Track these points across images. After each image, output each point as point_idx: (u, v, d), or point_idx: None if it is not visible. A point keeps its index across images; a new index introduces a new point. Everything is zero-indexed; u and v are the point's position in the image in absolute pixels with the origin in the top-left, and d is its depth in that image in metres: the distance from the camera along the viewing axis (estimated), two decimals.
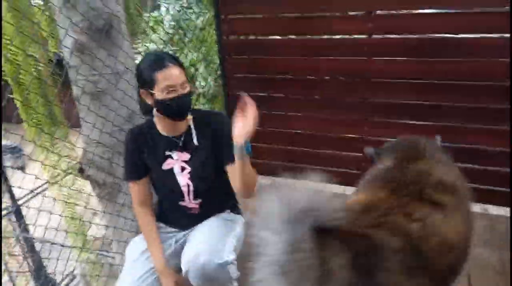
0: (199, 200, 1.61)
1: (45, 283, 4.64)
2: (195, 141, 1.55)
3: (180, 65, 1.47)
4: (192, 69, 3.66)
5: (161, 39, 4.18)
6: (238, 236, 1.63)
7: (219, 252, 1.44)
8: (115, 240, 2.31)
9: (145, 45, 4.06)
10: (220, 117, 1.64)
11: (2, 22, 2.52)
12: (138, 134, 1.58)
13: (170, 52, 1.47)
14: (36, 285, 4.69)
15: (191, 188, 1.56)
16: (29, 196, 4.10)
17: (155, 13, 4.86)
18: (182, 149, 1.55)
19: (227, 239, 1.53)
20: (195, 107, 3.33)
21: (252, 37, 2.58)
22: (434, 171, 1.20)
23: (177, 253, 1.61)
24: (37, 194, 4.05)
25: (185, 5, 4.47)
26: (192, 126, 1.57)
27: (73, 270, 5.17)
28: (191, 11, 4.45)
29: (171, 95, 1.43)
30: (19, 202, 4.00)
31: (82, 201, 3.10)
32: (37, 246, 4.45)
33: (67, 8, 1.75)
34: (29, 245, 4.38)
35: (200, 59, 3.64)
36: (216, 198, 1.65)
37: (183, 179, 1.56)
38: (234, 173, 1.43)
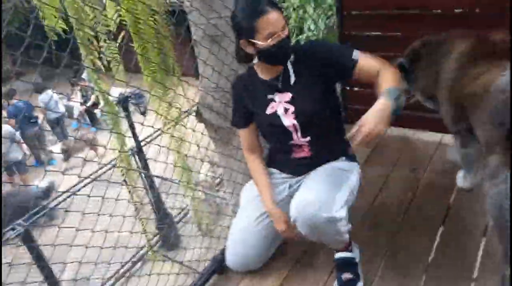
0: (308, 138, 1.55)
1: (164, 215, 5.27)
2: (292, 79, 1.51)
3: (277, 5, 1.40)
4: (301, 12, 3.49)
5: None
6: (352, 187, 1.54)
7: (329, 205, 1.38)
8: (227, 180, 2.43)
9: None
10: (315, 45, 1.67)
11: None
12: (240, 83, 1.60)
13: None
14: (156, 217, 5.36)
15: (298, 126, 1.52)
16: (150, 138, 4.53)
17: None
18: (283, 90, 1.52)
19: (339, 191, 1.45)
20: None
21: None
22: None
23: (290, 199, 1.60)
24: (155, 137, 4.47)
25: None
26: (288, 64, 1.51)
27: (186, 206, 5.75)
28: None
29: (274, 42, 1.37)
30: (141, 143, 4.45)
31: (195, 143, 3.31)
32: (157, 183, 4.99)
33: None
34: (149, 181, 4.93)
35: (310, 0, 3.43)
36: (326, 138, 1.58)
37: (288, 120, 1.52)
38: (367, 74, 1.45)
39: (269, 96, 1.53)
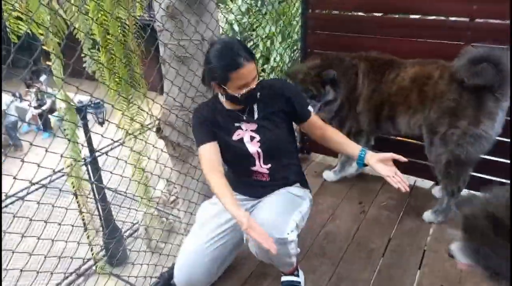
0: (269, 165, 1.64)
1: (113, 229, 5.09)
2: (256, 114, 1.61)
3: (253, 58, 1.48)
4: (268, 43, 3.64)
5: (240, 9, 4.19)
6: (303, 213, 1.63)
7: (281, 227, 1.46)
8: (183, 198, 2.43)
9: (224, 16, 4.10)
10: (282, 82, 1.78)
11: None
12: (205, 109, 1.65)
13: (241, 41, 1.47)
14: (104, 230, 5.16)
15: (261, 153, 1.61)
16: (106, 149, 4.42)
17: None
18: (248, 120, 1.60)
19: (291, 215, 1.54)
20: None
21: (335, 12, 2.50)
22: None
23: None
24: (113, 148, 4.37)
25: None
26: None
27: (137, 222, 5.60)
28: None
29: (243, 91, 1.46)
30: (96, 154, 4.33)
31: (153, 159, 3.29)
32: (109, 196, 4.83)
33: None
34: (101, 193, 4.77)
35: (277, 33, 3.60)
36: (284, 165, 1.68)
37: (253, 147, 1.60)
38: (313, 126, 1.67)
39: (236, 124, 1.60)
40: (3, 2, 2.09)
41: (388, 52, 2.19)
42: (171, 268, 1.75)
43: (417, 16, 2.34)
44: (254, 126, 1.60)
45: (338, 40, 2.41)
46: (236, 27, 4.40)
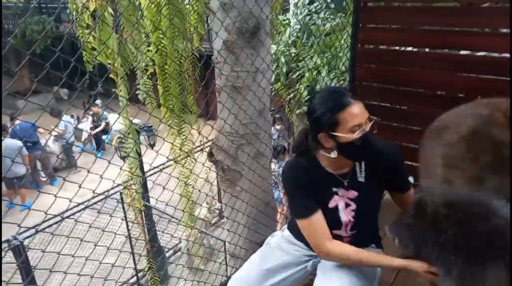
0: (355, 231, 1.52)
1: (158, 250, 5.27)
2: (361, 178, 1.47)
3: (359, 98, 1.35)
4: (315, 73, 3.77)
5: (288, 41, 4.39)
6: (377, 275, 1.55)
7: None
8: (230, 219, 2.53)
9: (272, 47, 4.32)
10: (392, 147, 1.52)
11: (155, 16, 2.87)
12: (302, 173, 1.46)
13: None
14: (149, 249, 5.34)
15: (352, 223, 1.49)
16: (155, 171, 4.66)
17: (283, 16, 5.08)
18: (349, 187, 1.46)
19: (367, 280, 1.47)
20: None
21: (383, 47, 2.58)
22: None
23: (307, 275, 1.61)
24: (161, 170, 4.61)
25: (313, 10, 4.60)
26: (362, 162, 1.47)
27: (179, 243, 5.75)
28: (317, 16, 4.55)
29: (358, 135, 1.30)
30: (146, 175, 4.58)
31: (204, 179, 3.42)
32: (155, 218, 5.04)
33: (222, 12, 1.98)
34: (148, 214, 4.99)
35: (324, 64, 3.72)
36: (369, 230, 1.59)
37: (346, 215, 1.48)
38: (410, 197, 1.51)
39: (334, 189, 1.47)
40: (81, 34, 2.41)
41: (432, 84, 2.21)
42: None
43: (466, 52, 2.37)
44: (353, 194, 1.47)
45: (385, 73, 2.48)
46: (282, 59, 4.59)
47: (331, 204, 1.46)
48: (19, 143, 6.68)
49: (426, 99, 2.39)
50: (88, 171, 1.51)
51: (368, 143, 1.33)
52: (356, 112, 1.30)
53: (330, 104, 1.33)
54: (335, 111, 1.30)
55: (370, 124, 1.33)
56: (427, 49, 2.44)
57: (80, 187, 1.49)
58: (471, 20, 2.14)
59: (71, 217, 3.94)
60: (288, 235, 1.64)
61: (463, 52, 2.40)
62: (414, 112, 2.45)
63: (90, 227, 1.84)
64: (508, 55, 2.07)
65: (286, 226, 1.71)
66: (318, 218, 1.41)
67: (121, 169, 1.83)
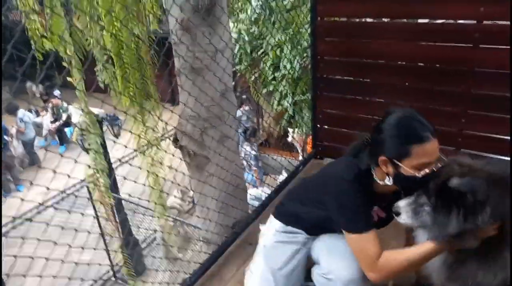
0: None
1: (131, 242, 5.17)
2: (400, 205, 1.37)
3: (436, 134, 1.24)
4: (278, 51, 3.71)
5: (249, 19, 4.28)
6: None
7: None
8: (199, 205, 2.49)
9: (234, 25, 4.20)
10: None
11: None
12: (362, 187, 1.37)
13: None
14: (122, 243, 5.24)
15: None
16: (123, 160, 4.51)
17: None
18: (382, 207, 1.46)
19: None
20: None
21: (343, 19, 2.55)
22: None
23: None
24: (128, 160, 4.47)
25: None
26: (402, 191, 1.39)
27: (153, 232, 5.67)
28: None
29: (422, 173, 1.22)
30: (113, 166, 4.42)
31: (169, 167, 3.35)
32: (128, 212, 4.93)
33: None
34: (118, 204, 4.87)
35: (287, 41, 3.66)
36: None
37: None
38: None
39: (374, 208, 1.46)
40: (28, 21, 2.23)
41: (395, 55, 2.21)
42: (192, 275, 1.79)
43: (425, 20, 2.38)
44: (382, 214, 1.47)
45: (347, 46, 2.45)
46: (245, 37, 4.49)
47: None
48: None
49: (388, 70, 2.39)
50: (54, 172, 1.41)
51: (426, 180, 1.22)
52: (431, 151, 1.20)
53: (406, 132, 1.22)
54: (410, 142, 1.20)
55: (437, 164, 1.22)
56: (387, 20, 2.43)
57: (48, 188, 1.40)
58: None
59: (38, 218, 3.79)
60: (280, 226, 1.59)
61: (421, 20, 2.41)
62: (377, 84, 2.46)
63: (62, 228, 1.76)
64: (463, 21, 2.09)
65: (270, 218, 1.66)
66: (374, 236, 1.30)
67: (89, 166, 1.73)
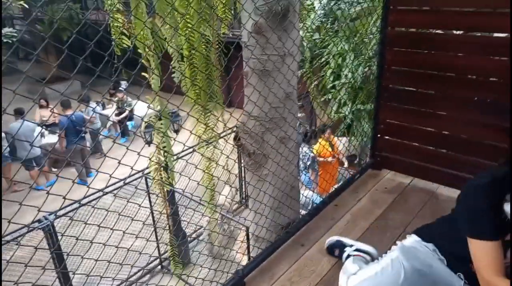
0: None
1: (178, 230, 5.39)
2: None
3: None
4: (340, 60, 3.73)
5: (312, 26, 4.34)
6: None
7: None
8: (254, 201, 2.55)
9: None
10: None
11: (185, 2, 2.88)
12: (492, 190, 1.33)
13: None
14: (172, 231, 5.47)
15: None
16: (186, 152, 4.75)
17: (307, 1, 5.00)
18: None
19: None
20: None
21: (412, 30, 2.53)
22: None
23: None
24: (187, 154, 4.69)
25: None
26: None
27: (200, 226, 5.87)
28: (342, 0, 4.47)
29: None
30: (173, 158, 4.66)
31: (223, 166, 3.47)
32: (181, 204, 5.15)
33: None
34: (170, 195, 5.10)
35: (350, 50, 3.68)
36: None
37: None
38: None
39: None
40: (112, 20, 2.46)
41: (464, 68, 2.16)
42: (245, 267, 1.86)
43: (499, 35, 2.30)
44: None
45: (415, 57, 2.44)
46: (305, 45, 4.55)
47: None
48: (31, 125, 6.82)
49: (456, 83, 2.34)
50: (119, 162, 1.52)
51: None
52: None
53: None
54: None
55: None
56: (458, 32, 2.39)
57: (111, 176, 1.51)
58: (504, 0, 2.06)
59: (98, 204, 4.07)
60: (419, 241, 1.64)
61: (495, 34, 2.33)
62: (443, 97, 2.41)
63: (119, 215, 1.88)
64: None
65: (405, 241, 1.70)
66: (496, 247, 1.27)
67: (152, 153, 1.86)
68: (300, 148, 5.99)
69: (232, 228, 5.59)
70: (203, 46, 3.38)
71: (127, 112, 8.97)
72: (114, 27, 2.86)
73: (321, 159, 5.40)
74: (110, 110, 9.24)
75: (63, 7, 11.58)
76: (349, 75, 3.66)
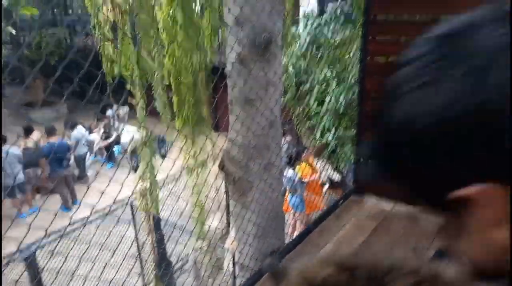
0: None
1: (162, 260, 5.26)
2: None
3: None
4: (323, 86, 3.82)
5: (297, 54, 4.45)
6: None
7: None
8: (237, 229, 2.53)
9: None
10: None
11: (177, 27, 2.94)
12: None
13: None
14: (156, 263, 5.34)
15: None
16: (168, 179, 4.70)
17: (293, 28, 5.13)
18: None
19: None
20: None
21: (393, 58, 2.61)
22: None
23: None
24: (176, 179, 4.66)
25: (323, 22, 4.66)
26: None
27: (186, 255, 5.74)
28: (327, 28, 4.60)
29: None
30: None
31: (209, 194, 3.46)
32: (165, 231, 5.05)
33: (237, 26, 2.04)
34: (155, 222, 5.01)
35: (333, 76, 3.77)
36: None
37: None
38: None
39: None
40: (102, 47, 2.51)
41: None
42: None
43: None
44: None
45: None
46: (291, 70, 4.65)
47: None
48: (16, 151, 6.70)
49: None
50: (102, 193, 1.51)
51: None
52: None
53: None
54: None
55: None
56: None
57: (93, 208, 1.50)
58: None
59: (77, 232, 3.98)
60: None
61: None
62: None
63: (101, 246, 1.84)
64: None
65: None
66: None
67: (140, 178, 1.87)
68: (285, 171, 5.97)
69: (219, 257, 5.48)
70: (191, 70, 3.44)
71: (114, 137, 8.91)
72: (104, 55, 2.90)
73: (306, 180, 5.43)
74: (96, 135, 9.16)
75: (51, 33, 11.64)
76: (332, 101, 3.74)
